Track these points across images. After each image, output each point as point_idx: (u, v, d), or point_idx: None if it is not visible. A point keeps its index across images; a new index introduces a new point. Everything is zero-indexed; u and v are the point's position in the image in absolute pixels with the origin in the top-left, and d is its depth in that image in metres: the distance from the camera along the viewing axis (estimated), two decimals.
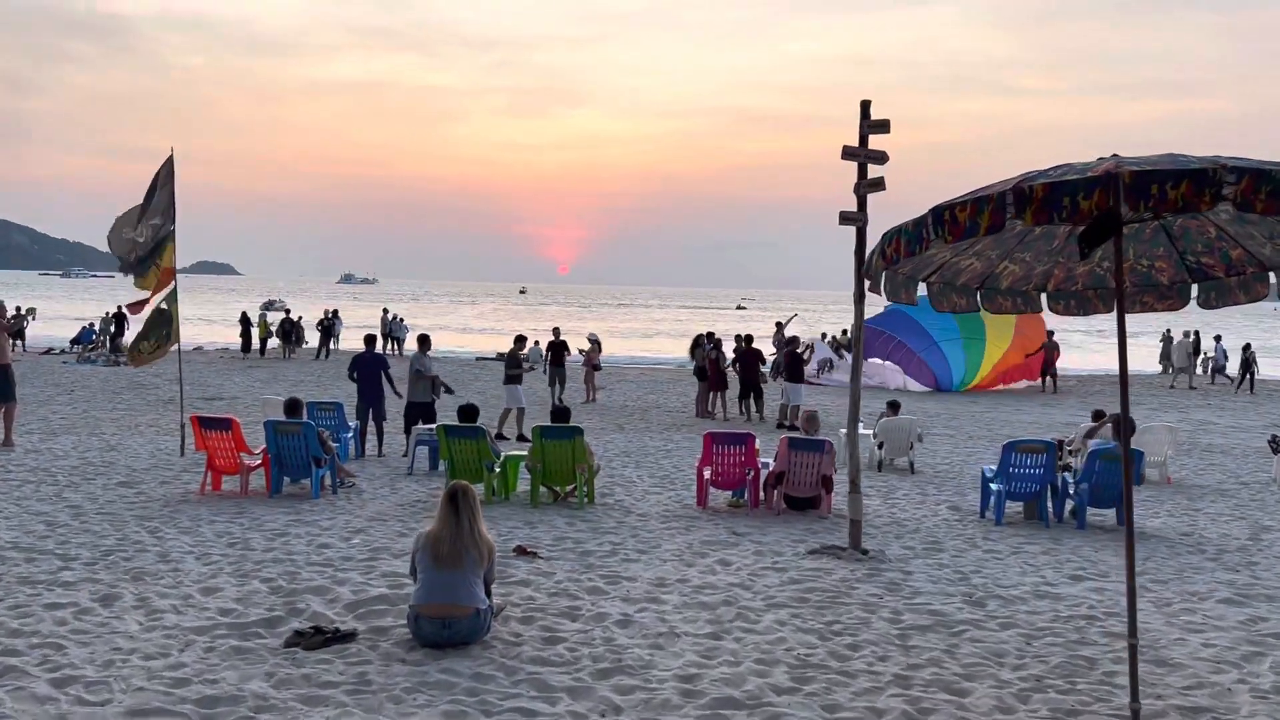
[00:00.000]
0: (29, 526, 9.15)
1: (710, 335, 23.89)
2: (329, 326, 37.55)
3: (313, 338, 38.13)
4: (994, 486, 11.13)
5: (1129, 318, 6.38)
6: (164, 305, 14.63)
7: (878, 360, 29.52)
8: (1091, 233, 5.06)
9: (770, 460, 11.61)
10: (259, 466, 11.63)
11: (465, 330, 69.02)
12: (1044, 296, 6.41)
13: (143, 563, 7.88)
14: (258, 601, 6.84)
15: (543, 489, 11.38)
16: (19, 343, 37.29)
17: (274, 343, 37.51)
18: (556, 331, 23.79)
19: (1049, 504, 11.01)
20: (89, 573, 7.52)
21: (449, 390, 15.78)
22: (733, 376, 22.68)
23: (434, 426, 13.96)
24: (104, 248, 14.63)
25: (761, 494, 11.29)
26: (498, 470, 11.51)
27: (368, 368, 15.01)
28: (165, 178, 14.40)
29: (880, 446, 15.26)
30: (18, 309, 40.28)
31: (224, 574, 7.60)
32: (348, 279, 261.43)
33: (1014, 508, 11.38)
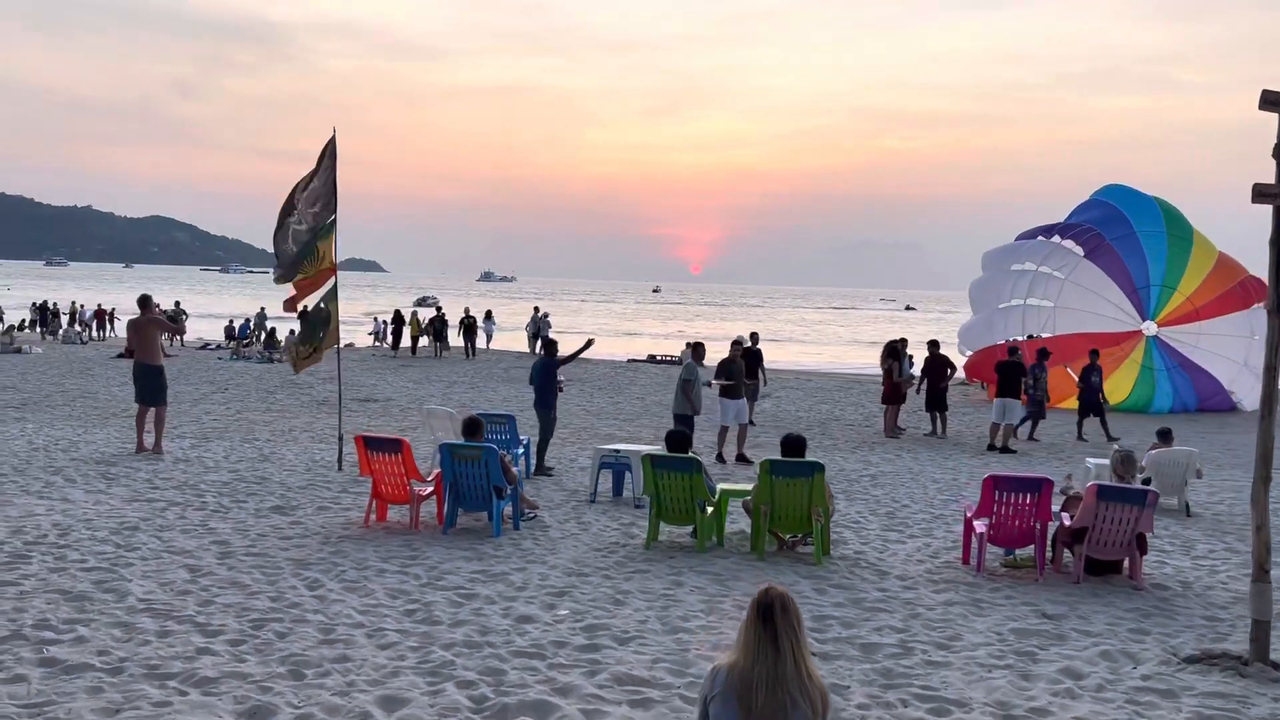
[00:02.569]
0: (168, 574, 7.50)
1: (902, 342, 21.16)
2: (470, 325, 36.18)
3: (453, 337, 36.85)
4: None
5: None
6: (323, 304, 13.17)
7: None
8: None
9: (1060, 510, 9.16)
10: (431, 495, 9.86)
11: (609, 332, 67.37)
12: None
13: (302, 644, 6.03)
14: None
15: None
16: (179, 338, 37.45)
17: (424, 341, 36.55)
18: (755, 338, 20.86)
19: None
20: (234, 658, 5.71)
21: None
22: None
23: (619, 448, 12.08)
24: (259, 244, 13.31)
25: (1049, 552, 8.86)
26: (710, 510, 9.39)
27: (535, 374, 13.62)
28: (328, 161, 12.89)
29: (1146, 483, 12.52)
30: (176, 304, 40.60)
31: (407, 668, 5.67)
32: (487, 277, 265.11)
33: None
